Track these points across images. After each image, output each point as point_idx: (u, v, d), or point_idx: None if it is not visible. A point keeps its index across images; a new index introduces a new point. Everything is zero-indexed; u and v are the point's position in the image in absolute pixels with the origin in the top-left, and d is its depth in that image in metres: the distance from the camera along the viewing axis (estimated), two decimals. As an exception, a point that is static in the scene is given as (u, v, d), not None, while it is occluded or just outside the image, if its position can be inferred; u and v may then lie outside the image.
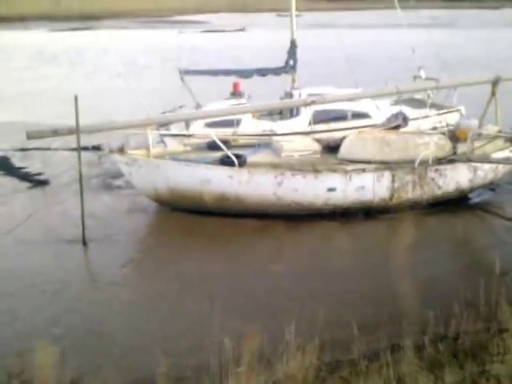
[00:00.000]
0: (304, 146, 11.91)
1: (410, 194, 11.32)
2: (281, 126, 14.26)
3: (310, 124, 14.13)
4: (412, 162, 11.28)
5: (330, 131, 13.95)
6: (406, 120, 12.35)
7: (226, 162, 10.92)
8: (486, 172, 12.01)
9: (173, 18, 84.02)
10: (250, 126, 14.06)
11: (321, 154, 11.84)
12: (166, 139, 13.37)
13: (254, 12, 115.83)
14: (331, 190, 10.89)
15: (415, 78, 16.71)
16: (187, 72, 15.14)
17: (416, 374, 4.90)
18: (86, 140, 14.39)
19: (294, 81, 15.78)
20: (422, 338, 5.94)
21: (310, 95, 14.93)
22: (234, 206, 11.02)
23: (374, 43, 40.69)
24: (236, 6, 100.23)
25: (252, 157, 11.47)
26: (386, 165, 11.17)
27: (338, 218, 10.95)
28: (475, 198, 12.45)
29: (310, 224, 10.79)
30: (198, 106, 15.19)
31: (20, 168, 15.02)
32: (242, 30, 72.73)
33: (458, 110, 14.94)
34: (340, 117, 14.43)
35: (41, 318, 7.55)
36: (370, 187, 11.05)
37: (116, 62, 24.98)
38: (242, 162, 10.92)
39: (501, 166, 12.22)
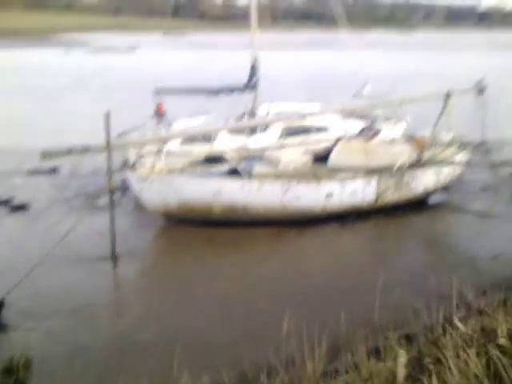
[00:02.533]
0: (297, 157, 12.94)
1: (391, 196, 12.79)
2: (253, 140, 15.20)
3: (280, 138, 15.26)
4: (390, 167, 12.75)
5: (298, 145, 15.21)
6: (377, 132, 13.90)
7: (233, 173, 11.64)
8: (445, 175, 13.85)
9: (56, 36, 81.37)
10: (226, 141, 14.86)
11: (311, 163, 12.96)
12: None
13: (139, 30, 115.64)
14: (329, 195, 12.03)
15: (356, 93, 18.60)
16: (162, 90, 15.63)
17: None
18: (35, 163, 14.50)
19: (255, 98, 16.85)
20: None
21: (277, 113, 16.25)
22: (241, 215, 11.75)
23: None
24: (120, 25, 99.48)
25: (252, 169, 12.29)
26: (371, 171, 12.54)
27: (335, 222, 12.08)
28: (435, 199, 14.19)
29: (315, 229, 11.80)
30: (169, 124, 15.76)
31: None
32: (132, 49, 72.62)
33: (404, 121, 16.88)
34: (305, 131, 15.73)
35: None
36: (360, 192, 12.36)
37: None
38: (250, 173, 11.72)
39: (450, 170, 14.12)
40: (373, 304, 6.77)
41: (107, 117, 10.09)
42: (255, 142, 15.03)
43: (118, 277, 10.02)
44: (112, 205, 10.34)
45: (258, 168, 12.11)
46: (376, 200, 12.54)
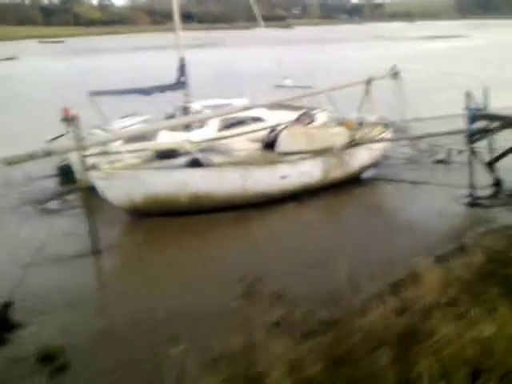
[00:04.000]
0: (247, 146, 13.79)
1: (334, 174, 14.04)
2: (195, 135, 15.82)
3: (218, 130, 16.06)
4: (330, 149, 13.99)
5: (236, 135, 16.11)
6: (312, 118, 15.13)
7: (196, 164, 12.26)
8: (374, 152, 15.38)
9: None
10: (167, 137, 15.36)
11: (261, 151, 13.88)
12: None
13: (11, 40, 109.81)
14: (283, 177, 13.02)
15: (275, 86, 19.85)
16: (96, 93, 15.77)
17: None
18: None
19: (186, 95, 17.46)
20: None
21: (206, 107, 17.01)
22: (205, 203, 12.40)
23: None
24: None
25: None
26: (316, 153, 13.70)
27: (290, 201, 13.11)
28: (367, 174, 15.67)
29: (275, 208, 12.74)
30: (107, 124, 15.99)
31: None
32: (13, 58, 69.66)
33: (325, 110, 18.31)
34: (241, 122, 16.64)
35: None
36: (309, 172, 13.48)
37: None
38: (209, 163, 12.40)
39: (379, 147, 15.70)
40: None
41: (75, 120, 10.30)
42: (197, 137, 15.65)
43: (104, 269, 10.28)
44: (87, 203, 10.54)
45: (216, 158, 12.77)
46: (323, 178, 13.70)
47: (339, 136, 14.32)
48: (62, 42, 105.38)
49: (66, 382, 6.76)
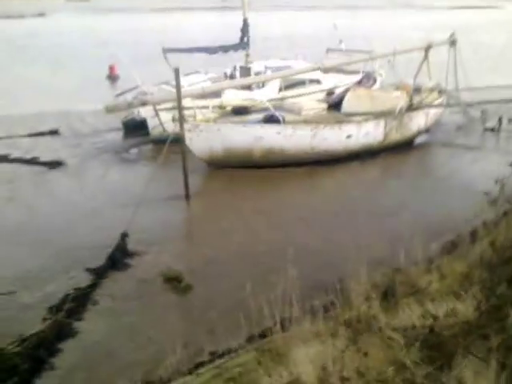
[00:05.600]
0: (315, 106, 14.64)
1: (394, 136, 14.87)
2: (258, 93, 16.67)
3: (280, 91, 16.88)
4: (392, 111, 14.78)
5: (296, 96, 16.93)
6: (375, 80, 15.87)
7: (272, 120, 13.17)
8: (431, 117, 16.15)
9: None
10: (232, 96, 16.23)
11: (327, 111, 14.74)
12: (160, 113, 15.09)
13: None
14: (349, 137, 13.89)
15: (328, 50, 20.51)
16: (169, 50, 16.63)
17: None
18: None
19: (248, 55, 18.24)
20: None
21: (266, 67, 17.78)
22: (278, 158, 13.34)
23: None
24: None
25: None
26: (379, 114, 14.51)
27: (354, 159, 14.01)
28: (422, 138, 16.46)
29: (341, 165, 13.66)
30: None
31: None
32: (42, 15, 70.32)
33: (380, 74, 19.00)
34: (300, 84, 17.45)
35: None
36: (372, 132, 14.32)
37: None
38: (284, 120, 13.31)
39: (434, 112, 16.44)
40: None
41: (177, 72, 11.15)
42: (260, 96, 16.50)
43: (199, 210, 11.40)
44: (184, 153, 11.51)
45: (288, 116, 13.64)
46: (384, 139, 14.55)
47: (399, 99, 15.08)
48: (89, 0, 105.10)
49: (194, 299, 7.85)
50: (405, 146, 15.17)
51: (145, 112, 16.02)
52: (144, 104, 12.08)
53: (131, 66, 18.35)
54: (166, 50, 16.68)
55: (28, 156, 14.93)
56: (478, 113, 17.38)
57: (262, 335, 6.16)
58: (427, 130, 16.33)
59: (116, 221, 10.19)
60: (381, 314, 4.35)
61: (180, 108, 11.32)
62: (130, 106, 12.01)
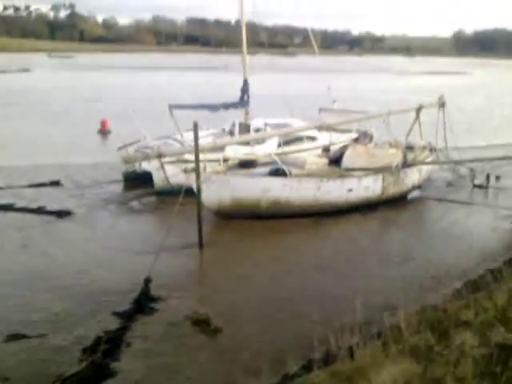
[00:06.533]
0: (317, 160, 15.34)
1: (391, 190, 15.58)
2: (258, 149, 17.36)
3: (279, 146, 17.62)
4: (389, 167, 15.55)
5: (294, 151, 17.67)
6: (371, 138, 16.75)
7: (279, 173, 13.77)
8: (423, 173, 16.99)
9: None
10: (234, 150, 16.88)
11: (328, 165, 15.44)
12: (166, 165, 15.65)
13: (17, 52, 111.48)
14: (350, 190, 14.54)
15: (320, 109, 21.55)
16: (174, 106, 17.33)
17: None
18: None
19: (247, 113, 19.07)
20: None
21: (266, 125, 18.58)
22: (283, 209, 13.85)
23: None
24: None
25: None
26: (378, 170, 15.26)
27: (354, 212, 14.61)
28: (414, 194, 17.21)
29: (342, 217, 14.23)
30: (181, 135, 17.49)
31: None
32: (26, 70, 71.50)
33: (371, 133, 19.94)
34: (298, 140, 18.27)
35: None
36: (371, 187, 15.00)
37: None
38: (290, 173, 13.92)
39: (426, 169, 17.31)
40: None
41: (196, 126, 11.73)
42: (260, 151, 17.20)
43: (214, 258, 11.72)
44: (199, 204, 11.92)
45: (292, 169, 14.27)
46: (382, 193, 15.23)
47: (395, 156, 15.90)
48: (72, 57, 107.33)
49: (225, 341, 8.09)
50: (400, 201, 15.84)
51: (148, 165, 16.47)
52: (160, 156, 12.55)
53: (124, 121, 19.09)
54: (172, 106, 17.36)
55: (33, 206, 15.09)
56: (466, 170, 18.29)
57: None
58: (420, 186, 17.10)
59: (133, 268, 10.50)
60: (436, 344, 4.74)
61: (197, 160, 11.80)
62: (146, 157, 12.47)
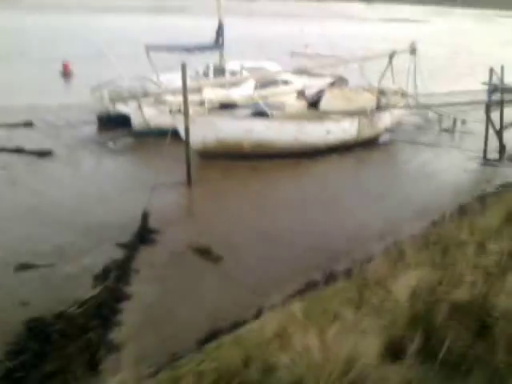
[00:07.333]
0: (296, 103, 15.71)
1: (366, 132, 16.19)
2: (235, 92, 17.56)
3: (255, 89, 17.87)
4: (364, 110, 16.10)
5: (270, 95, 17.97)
6: (347, 82, 17.19)
7: (261, 114, 14.10)
8: (395, 117, 17.64)
9: None
10: (211, 93, 17.03)
11: (307, 108, 15.86)
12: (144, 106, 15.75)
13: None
14: (328, 132, 15.06)
15: (292, 53, 21.77)
16: (151, 48, 17.19)
17: None
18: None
19: (222, 56, 19.10)
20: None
21: (242, 67, 18.74)
22: (265, 149, 14.26)
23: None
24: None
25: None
26: (353, 112, 15.79)
27: (332, 153, 15.20)
28: (385, 136, 17.90)
29: (321, 158, 14.79)
30: (157, 76, 17.46)
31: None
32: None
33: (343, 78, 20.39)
34: (273, 83, 18.53)
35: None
36: (348, 129, 15.56)
37: None
38: (272, 115, 14.27)
39: (397, 113, 17.96)
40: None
41: (184, 67, 11.82)
42: (236, 93, 17.42)
43: (200, 194, 12.17)
44: (188, 143, 12.18)
45: (275, 111, 14.62)
46: (357, 135, 15.83)
47: (370, 100, 16.43)
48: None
49: (228, 266, 8.62)
50: (373, 143, 16.51)
51: (125, 107, 16.42)
52: (146, 95, 12.63)
53: (85, 63, 18.31)
54: (148, 48, 17.18)
55: (10, 146, 14.95)
56: (433, 115, 19.06)
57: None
58: (391, 129, 17.78)
59: (127, 204, 10.83)
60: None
61: (186, 102, 11.96)
62: (134, 96, 12.54)
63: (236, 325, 6.67)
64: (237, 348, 4.18)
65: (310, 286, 7.28)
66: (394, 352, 3.67)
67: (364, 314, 4.21)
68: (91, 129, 17.55)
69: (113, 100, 12.04)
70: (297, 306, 5.07)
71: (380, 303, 4.33)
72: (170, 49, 17.98)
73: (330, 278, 7.03)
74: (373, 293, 4.89)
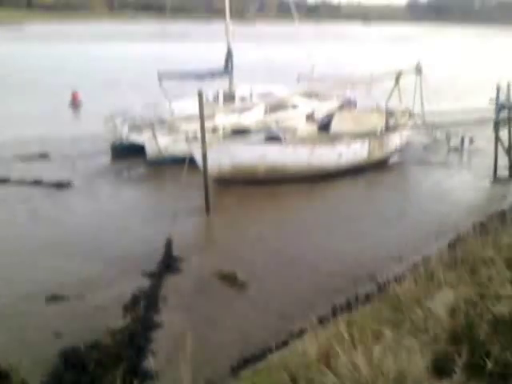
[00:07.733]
0: (307, 127, 16.00)
1: (376, 154, 16.42)
2: (246, 117, 17.88)
3: (265, 113, 18.21)
4: (374, 132, 16.35)
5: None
6: (356, 104, 17.49)
7: (274, 139, 14.37)
8: (404, 137, 17.88)
9: None
10: (223, 118, 17.37)
11: (317, 131, 16.14)
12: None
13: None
14: (340, 155, 15.29)
15: (299, 76, 22.07)
16: (164, 75, 17.51)
17: None
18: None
19: (231, 81, 19.48)
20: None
21: (252, 92, 19.10)
22: (279, 174, 14.49)
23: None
24: None
25: (277, 137, 15.07)
26: (363, 134, 16.04)
27: (344, 175, 15.40)
28: (394, 156, 18.12)
29: (334, 181, 14.99)
30: (170, 104, 17.77)
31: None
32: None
33: (351, 100, 20.70)
34: (283, 107, 18.87)
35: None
36: (359, 151, 15.80)
37: None
38: (285, 139, 14.54)
39: (406, 133, 18.21)
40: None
41: (201, 95, 12.11)
42: (247, 118, 17.74)
43: (220, 221, 12.40)
44: (205, 170, 12.42)
45: (288, 135, 14.89)
46: (368, 157, 16.05)
47: (378, 121, 16.70)
48: (21, 26, 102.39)
49: (254, 292, 8.78)
50: (384, 164, 16.73)
51: (138, 136, 16.70)
52: (161, 123, 12.91)
53: (93, 92, 18.53)
54: (161, 75, 17.48)
55: (28, 178, 15.20)
56: (441, 134, 19.30)
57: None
58: (401, 150, 18.00)
59: (148, 233, 11.05)
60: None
61: (203, 129, 12.23)
62: (150, 125, 12.82)
63: (267, 350, 6.82)
64: (282, 370, 4.33)
65: (341, 308, 7.42)
66: (440, 367, 3.82)
67: (405, 332, 4.36)
68: (105, 159, 17.79)
69: (132, 129, 12.29)
70: (339, 327, 5.22)
71: (420, 321, 4.49)
72: (183, 76, 18.31)
73: (362, 299, 7.16)
74: (411, 311, 5.05)
